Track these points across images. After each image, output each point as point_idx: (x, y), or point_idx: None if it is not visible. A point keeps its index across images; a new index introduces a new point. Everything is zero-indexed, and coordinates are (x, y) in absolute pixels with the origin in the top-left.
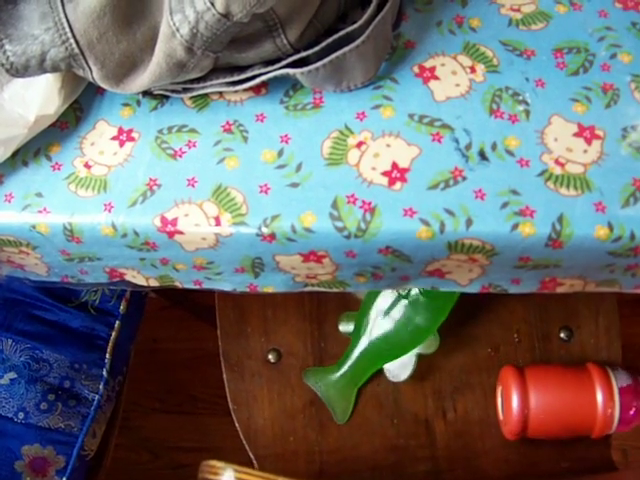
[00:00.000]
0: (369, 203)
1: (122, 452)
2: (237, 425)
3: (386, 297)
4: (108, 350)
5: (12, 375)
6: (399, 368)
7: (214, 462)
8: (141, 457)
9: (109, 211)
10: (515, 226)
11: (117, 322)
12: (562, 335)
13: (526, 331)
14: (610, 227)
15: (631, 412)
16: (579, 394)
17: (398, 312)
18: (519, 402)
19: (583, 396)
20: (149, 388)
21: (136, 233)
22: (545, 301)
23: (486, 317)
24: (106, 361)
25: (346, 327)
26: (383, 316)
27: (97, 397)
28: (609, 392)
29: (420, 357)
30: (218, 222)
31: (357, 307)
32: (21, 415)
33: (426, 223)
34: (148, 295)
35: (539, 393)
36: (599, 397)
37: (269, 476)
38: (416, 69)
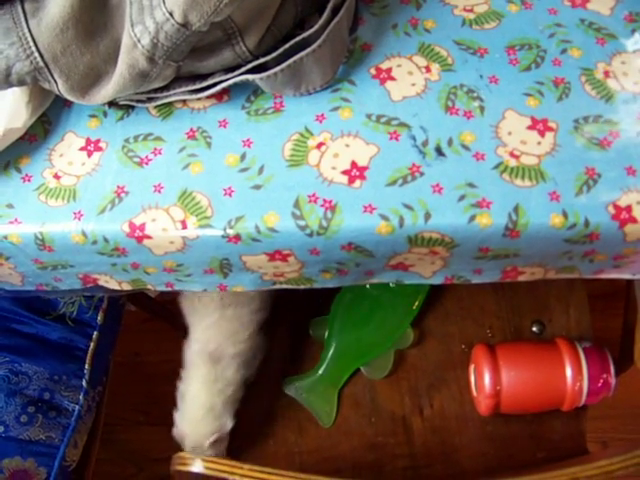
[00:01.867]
0: (330, 201)
1: (107, 466)
2: None
3: (356, 298)
4: (87, 361)
5: None
6: (377, 366)
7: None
8: (125, 470)
9: (79, 219)
10: (472, 218)
11: (95, 333)
12: (534, 329)
13: (499, 326)
14: (565, 215)
15: (599, 384)
16: (549, 369)
17: (369, 312)
18: (491, 379)
19: (553, 371)
20: (133, 401)
21: (106, 240)
22: (516, 296)
23: (459, 314)
24: (85, 372)
25: (318, 332)
26: (354, 317)
27: (77, 407)
28: (578, 366)
29: (396, 352)
30: (184, 225)
31: (328, 310)
32: (1, 429)
33: (385, 218)
34: (128, 308)
35: (510, 370)
36: (568, 371)
37: (235, 464)
38: (373, 71)
